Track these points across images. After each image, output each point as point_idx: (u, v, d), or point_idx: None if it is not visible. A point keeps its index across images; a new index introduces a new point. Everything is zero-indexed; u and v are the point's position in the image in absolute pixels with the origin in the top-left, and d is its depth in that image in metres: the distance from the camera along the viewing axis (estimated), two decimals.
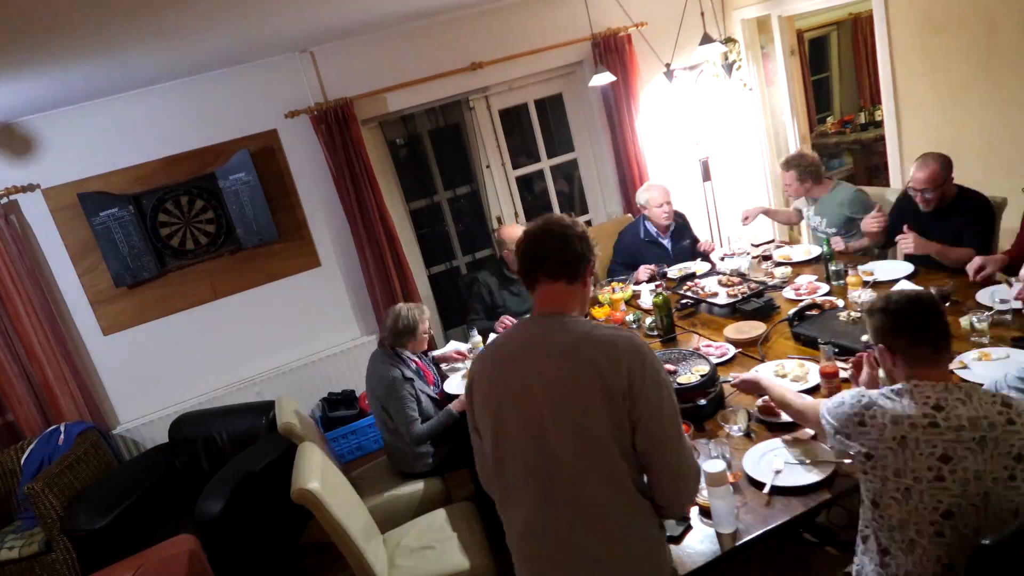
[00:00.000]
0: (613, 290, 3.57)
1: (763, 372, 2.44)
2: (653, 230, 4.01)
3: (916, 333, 1.56)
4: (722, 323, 3.05)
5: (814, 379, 2.38)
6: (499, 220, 4.77)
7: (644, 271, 3.83)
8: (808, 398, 2.05)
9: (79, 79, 3.17)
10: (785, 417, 2.19)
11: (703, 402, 2.32)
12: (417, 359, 3.15)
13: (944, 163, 2.93)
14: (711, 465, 1.77)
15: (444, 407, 2.99)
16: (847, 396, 1.64)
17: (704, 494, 1.88)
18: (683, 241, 4.05)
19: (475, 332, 3.55)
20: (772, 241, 4.21)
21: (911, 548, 1.52)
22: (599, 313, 3.42)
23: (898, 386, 1.57)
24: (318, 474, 2.31)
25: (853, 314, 2.68)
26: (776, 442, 2.08)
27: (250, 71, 3.99)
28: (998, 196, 3.13)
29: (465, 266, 4.85)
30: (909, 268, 3.06)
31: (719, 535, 1.80)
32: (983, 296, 2.62)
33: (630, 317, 3.34)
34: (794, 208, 4.08)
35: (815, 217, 3.73)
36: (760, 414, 2.24)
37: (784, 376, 2.44)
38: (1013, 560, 1.38)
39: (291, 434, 2.85)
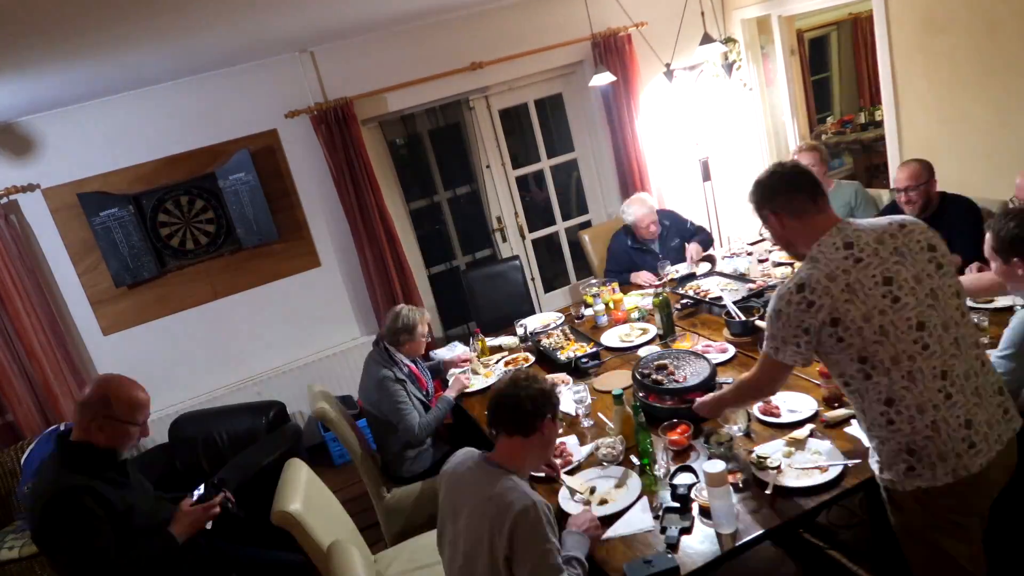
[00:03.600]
0: (613, 291, 3.57)
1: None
2: (641, 238, 4.02)
3: (788, 187, 1.72)
4: (722, 323, 3.05)
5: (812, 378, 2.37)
6: (499, 220, 4.77)
7: (645, 277, 3.84)
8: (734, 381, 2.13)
9: (79, 79, 3.17)
10: (785, 417, 2.20)
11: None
12: (411, 363, 3.08)
13: (925, 164, 2.99)
14: (711, 465, 1.77)
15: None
16: (776, 302, 1.66)
17: (704, 494, 1.88)
18: (672, 242, 4.04)
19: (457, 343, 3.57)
20: (763, 239, 4.20)
21: (935, 428, 1.57)
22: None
23: (806, 259, 1.66)
24: (301, 494, 2.22)
25: None
26: (779, 443, 2.08)
27: (250, 71, 3.99)
28: (997, 200, 3.12)
29: (465, 266, 4.84)
30: None
31: (719, 535, 1.80)
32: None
33: (635, 315, 3.35)
34: None
35: None
36: (760, 414, 2.24)
37: None
38: None
39: (324, 419, 2.84)
